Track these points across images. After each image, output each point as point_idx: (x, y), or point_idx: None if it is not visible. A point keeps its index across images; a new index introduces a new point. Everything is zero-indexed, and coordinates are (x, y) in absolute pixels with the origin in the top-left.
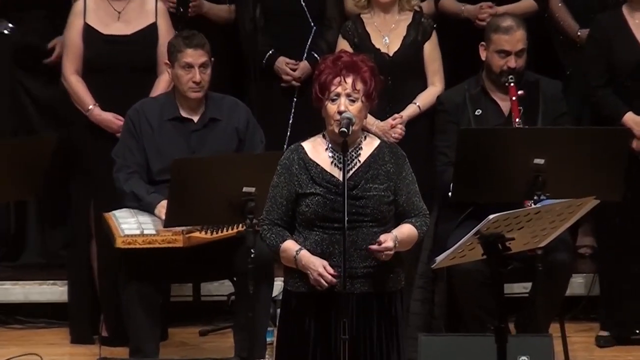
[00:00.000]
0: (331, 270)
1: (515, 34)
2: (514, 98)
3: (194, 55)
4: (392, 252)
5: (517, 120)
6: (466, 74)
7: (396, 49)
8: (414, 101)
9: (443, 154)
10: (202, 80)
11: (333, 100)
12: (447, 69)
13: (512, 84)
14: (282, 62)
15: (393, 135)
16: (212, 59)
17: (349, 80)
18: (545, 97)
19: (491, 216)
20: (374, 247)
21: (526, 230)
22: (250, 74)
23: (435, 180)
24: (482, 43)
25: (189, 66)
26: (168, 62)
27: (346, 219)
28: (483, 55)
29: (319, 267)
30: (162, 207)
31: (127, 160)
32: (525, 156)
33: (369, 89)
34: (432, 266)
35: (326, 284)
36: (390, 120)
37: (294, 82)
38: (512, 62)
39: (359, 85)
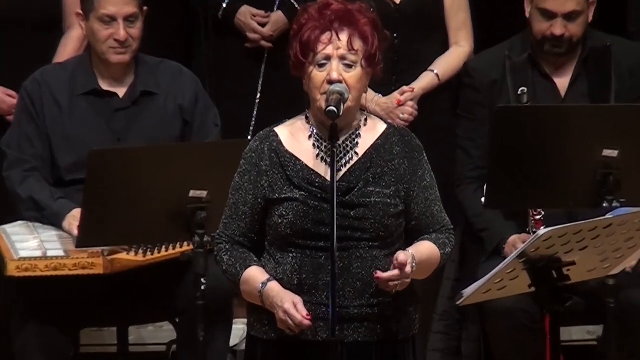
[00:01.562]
0: (303, 310)
1: None
2: None
3: (116, 3)
4: (409, 281)
5: None
6: (504, 34)
7: None
8: (431, 68)
9: (464, 152)
10: (128, 37)
11: (321, 66)
12: (477, 26)
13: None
14: (247, 14)
15: (400, 116)
16: (145, 8)
17: (344, 36)
18: (621, 69)
19: (541, 231)
20: (387, 274)
21: (592, 251)
22: (200, 31)
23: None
24: None
25: (111, 18)
26: (81, 12)
27: (335, 235)
28: (527, 10)
29: (285, 302)
30: (73, 219)
31: (24, 153)
32: (591, 146)
33: (370, 49)
34: (458, 302)
35: (294, 325)
36: (396, 95)
37: (263, 42)
38: (557, 28)
39: (358, 44)
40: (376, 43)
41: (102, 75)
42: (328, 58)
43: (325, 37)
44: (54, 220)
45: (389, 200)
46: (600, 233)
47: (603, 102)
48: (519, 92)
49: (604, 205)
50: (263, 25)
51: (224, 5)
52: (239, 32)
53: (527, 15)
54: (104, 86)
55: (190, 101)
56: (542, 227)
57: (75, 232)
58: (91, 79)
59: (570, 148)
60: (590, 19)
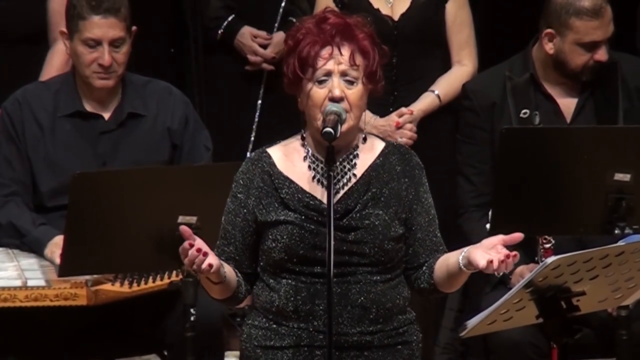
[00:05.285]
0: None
1: (606, 14)
2: None
3: (102, 26)
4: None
5: None
6: (508, 50)
7: (404, 9)
8: (432, 88)
9: (466, 179)
10: (113, 62)
11: (321, 82)
12: (481, 43)
13: None
14: (248, 35)
15: (399, 139)
16: (134, 28)
17: (346, 51)
18: (628, 87)
19: (549, 259)
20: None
21: (603, 280)
22: (190, 48)
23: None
24: (550, 31)
25: (96, 42)
26: (65, 31)
27: (332, 261)
28: (549, 47)
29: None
30: (55, 246)
31: (3, 177)
32: (603, 170)
33: (371, 65)
34: (462, 334)
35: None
36: (394, 117)
37: (264, 65)
38: (603, 54)
39: (359, 59)
40: (377, 58)
41: (87, 96)
42: (329, 74)
43: (325, 52)
44: (35, 248)
45: (388, 222)
46: (611, 261)
47: (610, 122)
48: (521, 115)
49: (616, 231)
50: (264, 46)
51: (225, 24)
52: (234, 51)
53: (551, 52)
54: (89, 108)
55: (179, 124)
56: (551, 256)
57: (58, 260)
58: (75, 100)
59: (580, 172)
60: None
